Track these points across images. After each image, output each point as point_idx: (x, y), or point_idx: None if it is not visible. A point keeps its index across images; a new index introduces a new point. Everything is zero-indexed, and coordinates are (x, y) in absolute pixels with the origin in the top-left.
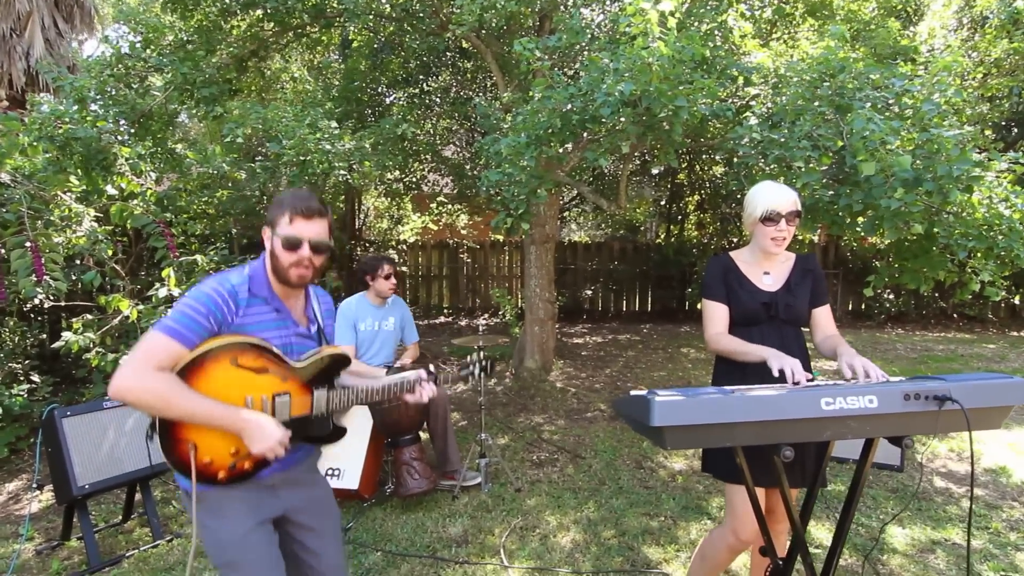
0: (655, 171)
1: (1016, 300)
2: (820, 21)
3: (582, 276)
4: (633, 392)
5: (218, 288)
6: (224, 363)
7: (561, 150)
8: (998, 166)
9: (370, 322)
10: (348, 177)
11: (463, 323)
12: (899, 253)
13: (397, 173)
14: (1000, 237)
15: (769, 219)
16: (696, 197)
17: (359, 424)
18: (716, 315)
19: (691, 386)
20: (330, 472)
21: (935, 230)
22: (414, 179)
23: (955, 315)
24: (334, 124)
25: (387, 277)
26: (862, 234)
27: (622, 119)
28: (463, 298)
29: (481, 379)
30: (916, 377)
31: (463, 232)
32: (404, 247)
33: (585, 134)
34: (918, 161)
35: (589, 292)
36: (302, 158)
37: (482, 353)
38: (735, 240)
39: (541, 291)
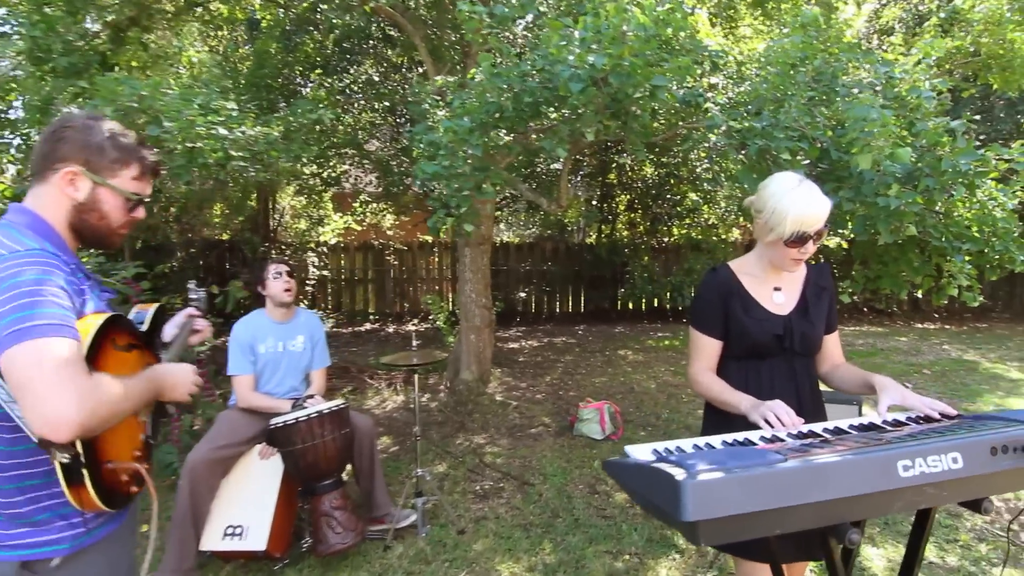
0: (582, 172)
1: (981, 298)
2: (765, 16)
3: (515, 278)
4: (636, 456)
5: (48, 262)
6: (108, 347)
7: (511, 138)
8: (991, 162)
9: (271, 342)
10: (250, 170)
11: (390, 330)
12: (876, 256)
13: (314, 168)
14: (994, 239)
15: (798, 240)
16: (627, 197)
17: (266, 470)
18: (704, 350)
19: (635, 391)
20: (230, 531)
21: (920, 231)
22: (333, 175)
23: (865, 308)
24: (232, 105)
25: (277, 277)
26: (851, 236)
27: (591, 99)
28: (390, 303)
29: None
30: (980, 416)
31: (389, 233)
32: (325, 249)
33: (543, 120)
34: (913, 155)
35: (523, 294)
36: (189, 145)
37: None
38: (665, 240)
39: (477, 296)
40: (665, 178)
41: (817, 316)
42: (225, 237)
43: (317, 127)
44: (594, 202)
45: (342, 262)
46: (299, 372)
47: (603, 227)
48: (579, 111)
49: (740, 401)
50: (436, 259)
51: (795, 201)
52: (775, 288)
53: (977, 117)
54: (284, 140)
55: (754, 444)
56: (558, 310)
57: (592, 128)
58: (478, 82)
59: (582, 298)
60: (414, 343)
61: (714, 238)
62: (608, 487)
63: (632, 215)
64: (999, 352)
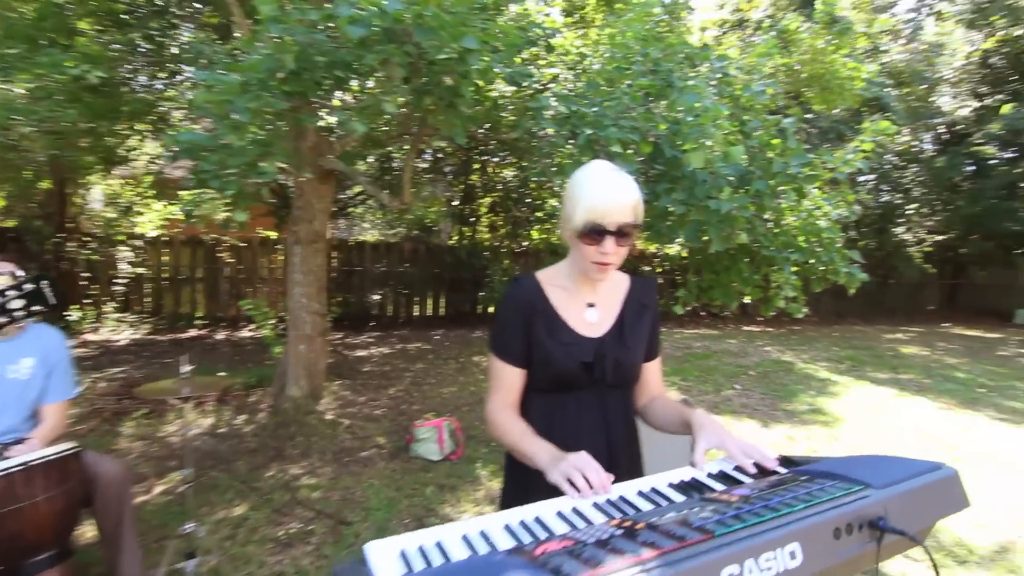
0: (445, 171)
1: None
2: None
3: (370, 279)
4: (375, 564)
5: None
6: None
7: (293, 105)
8: (819, 167)
9: None
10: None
11: (220, 337)
12: (708, 265)
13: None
14: (819, 249)
15: (593, 232)
16: (489, 199)
17: None
18: (503, 381)
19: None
20: None
21: (750, 240)
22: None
23: (703, 312)
24: None
25: None
26: (682, 242)
27: (389, 59)
28: (224, 306)
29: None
30: (808, 470)
31: (222, 227)
32: (141, 243)
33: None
34: (745, 155)
35: (377, 297)
36: None
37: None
38: (525, 244)
39: (308, 301)
40: (525, 181)
41: (635, 339)
42: (10, 224)
43: (88, 86)
44: (455, 203)
45: (163, 258)
46: (22, 407)
47: (464, 229)
48: (378, 75)
49: (538, 454)
50: (281, 257)
51: (592, 187)
52: (588, 304)
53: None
54: (33, 100)
55: (541, 537)
56: (417, 313)
57: (393, 99)
58: (256, 32)
59: (442, 301)
60: (185, 368)
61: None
62: (438, 519)
63: (494, 218)
64: (810, 353)
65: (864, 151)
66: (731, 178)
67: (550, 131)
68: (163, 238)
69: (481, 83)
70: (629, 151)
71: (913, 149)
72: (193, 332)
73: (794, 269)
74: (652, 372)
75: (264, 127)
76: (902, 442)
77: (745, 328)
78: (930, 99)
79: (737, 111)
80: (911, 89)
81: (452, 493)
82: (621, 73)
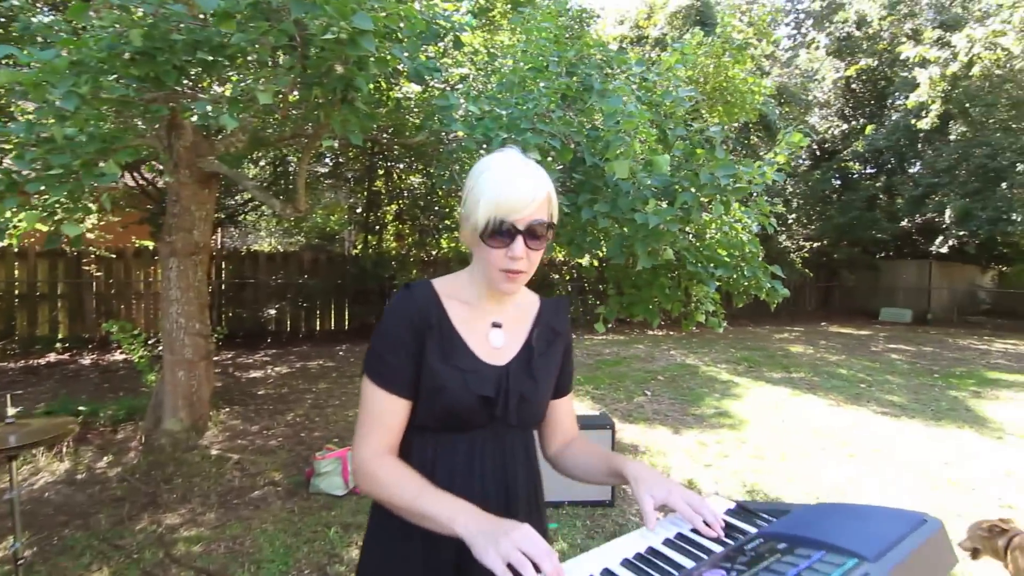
0: (347, 176)
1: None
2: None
3: (265, 292)
4: None
5: None
6: None
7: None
8: (743, 178)
9: None
10: None
11: (85, 362)
12: (629, 280)
13: None
14: (743, 264)
15: (499, 233)
16: (395, 206)
17: None
18: (381, 419)
19: None
20: None
21: (675, 255)
22: None
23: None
24: None
25: None
26: (606, 257)
27: (259, 40)
28: (91, 326)
29: None
30: (777, 534)
31: (90, 235)
32: None
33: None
34: (670, 165)
35: (273, 311)
36: None
37: None
38: (434, 253)
39: (188, 320)
40: (433, 188)
41: (543, 372)
42: None
43: None
44: (359, 210)
45: (16, 272)
46: None
47: (369, 238)
48: (251, 59)
49: (455, 517)
50: (158, 271)
51: (497, 178)
52: (494, 324)
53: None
54: None
55: None
56: (318, 327)
57: (269, 87)
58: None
59: (346, 314)
60: (8, 411)
61: None
62: (344, 565)
63: (400, 226)
64: (711, 355)
65: (778, 163)
66: (655, 189)
67: (460, 134)
68: (13, 248)
69: (379, 76)
70: (549, 158)
71: (793, 164)
72: (52, 356)
73: (717, 284)
74: (564, 411)
75: (105, 118)
76: (802, 441)
77: (650, 332)
78: (805, 118)
79: (658, 119)
80: (789, 108)
81: (360, 532)
82: (537, 73)
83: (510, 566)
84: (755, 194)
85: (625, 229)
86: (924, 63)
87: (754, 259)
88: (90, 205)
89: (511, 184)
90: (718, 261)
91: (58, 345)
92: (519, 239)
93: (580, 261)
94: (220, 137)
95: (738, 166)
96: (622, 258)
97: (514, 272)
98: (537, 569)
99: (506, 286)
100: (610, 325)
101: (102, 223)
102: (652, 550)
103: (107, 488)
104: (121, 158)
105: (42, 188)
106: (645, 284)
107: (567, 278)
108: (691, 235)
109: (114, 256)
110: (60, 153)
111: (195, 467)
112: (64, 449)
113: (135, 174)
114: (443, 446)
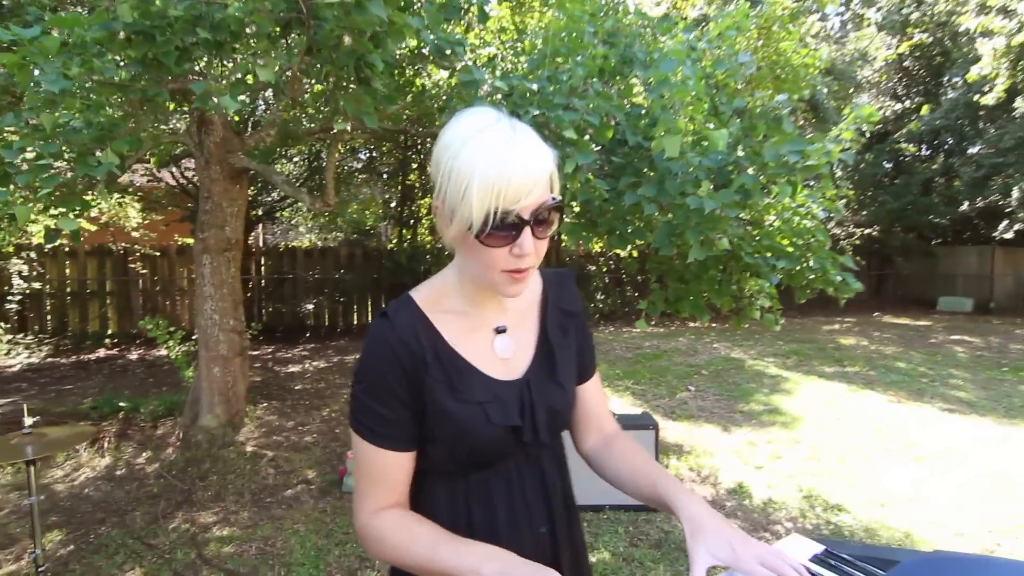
0: (382, 171)
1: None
2: None
3: (303, 287)
4: None
5: None
6: None
7: (153, 77)
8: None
9: None
10: None
11: (133, 356)
12: (675, 273)
13: None
14: (809, 254)
15: (500, 229)
16: (428, 200)
17: None
18: (383, 475)
19: None
20: None
21: (728, 244)
22: None
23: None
24: None
25: None
26: (655, 248)
27: (255, 10)
28: (138, 323)
29: None
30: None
31: (135, 234)
32: (39, 255)
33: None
34: (728, 139)
35: (311, 306)
36: None
37: None
38: None
39: (222, 317)
40: None
41: (566, 370)
42: None
43: None
44: (393, 204)
45: (67, 271)
46: None
47: (404, 231)
48: (248, 35)
49: (480, 568)
50: None
51: (487, 156)
52: (497, 330)
53: None
54: None
55: None
56: (356, 322)
57: (269, 63)
58: None
59: (382, 308)
60: (26, 421)
61: None
62: (376, 574)
63: (434, 219)
64: (757, 349)
65: (846, 141)
66: (708, 170)
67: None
68: (65, 248)
69: (396, 53)
70: (585, 138)
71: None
72: (102, 352)
73: (778, 278)
74: (593, 397)
75: (103, 105)
76: (862, 441)
77: (692, 325)
78: (855, 99)
79: (709, 91)
80: (839, 87)
81: None
82: (571, 46)
83: None
84: (824, 173)
85: (673, 216)
86: (987, 33)
87: (821, 249)
88: (88, 198)
89: (509, 161)
90: (780, 251)
91: (107, 341)
92: (527, 232)
93: (619, 252)
94: (250, 133)
95: (810, 146)
96: (670, 248)
97: (521, 272)
98: None
99: (512, 289)
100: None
101: (146, 222)
102: None
103: (144, 485)
104: (120, 147)
105: (34, 180)
106: (693, 277)
107: (604, 270)
108: (747, 223)
109: (158, 254)
110: (50, 142)
111: (230, 464)
112: (106, 445)
113: (173, 171)
114: (476, 490)
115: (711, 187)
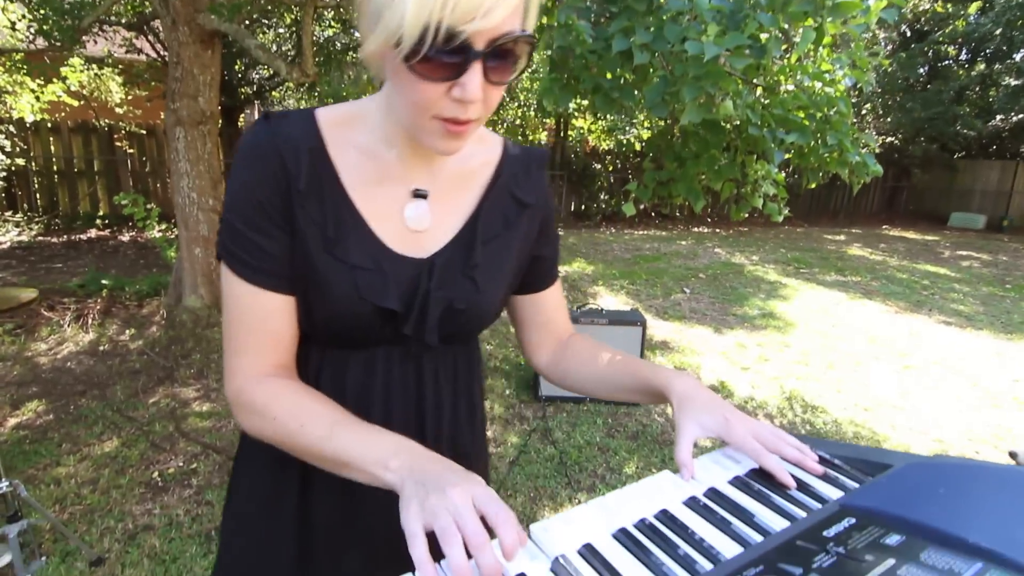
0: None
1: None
2: None
3: None
4: None
5: None
6: None
7: None
8: None
9: None
10: None
11: (125, 238)
12: (671, 151)
13: None
14: (826, 127)
15: (441, 53)
16: None
17: None
18: (255, 322)
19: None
20: None
21: (732, 109)
22: None
23: (652, 213)
24: None
25: None
26: (648, 108)
27: None
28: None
29: None
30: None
31: (119, 111)
32: (18, 130)
33: None
34: None
35: None
36: None
37: None
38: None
39: (200, 196)
40: None
41: (492, 266)
42: None
43: None
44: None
45: (52, 147)
46: None
47: None
48: None
49: (387, 461)
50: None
51: None
52: (414, 193)
53: None
54: None
55: None
56: None
57: None
58: None
59: None
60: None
61: (519, 138)
62: None
63: None
64: (759, 255)
65: None
66: (718, 12)
67: None
68: (47, 123)
69: None
70: None
71: (874, 46)
72: (93, 233)
73: (788, 156)
74: (553, 305)
75: None
76: (853, 349)
77: (695, 229)
78: None
79: None
80: None
81: None
82: None
83: (432, 535)
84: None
85: (673, 69)
86: None
87: (841, 123)
88: None
89: None
90: (794, 125)
91: (98, 222)
92: (475, 68)
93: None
94: None
95: None
96: (663, 110)
97: (462, 124)
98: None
99: (445, 144)
100: (651, 217)
101: (129, 97)
102: (668, 514)
103: (127, 360)
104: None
105: None
106: (691, 156)
107: (610, 169)
108: (759, 88)
109: (144, 132)
110: None
111: (214, 344)
112: (91, 321)
113: (152, 42)
114: (331, 362)
115: (719, 30)
